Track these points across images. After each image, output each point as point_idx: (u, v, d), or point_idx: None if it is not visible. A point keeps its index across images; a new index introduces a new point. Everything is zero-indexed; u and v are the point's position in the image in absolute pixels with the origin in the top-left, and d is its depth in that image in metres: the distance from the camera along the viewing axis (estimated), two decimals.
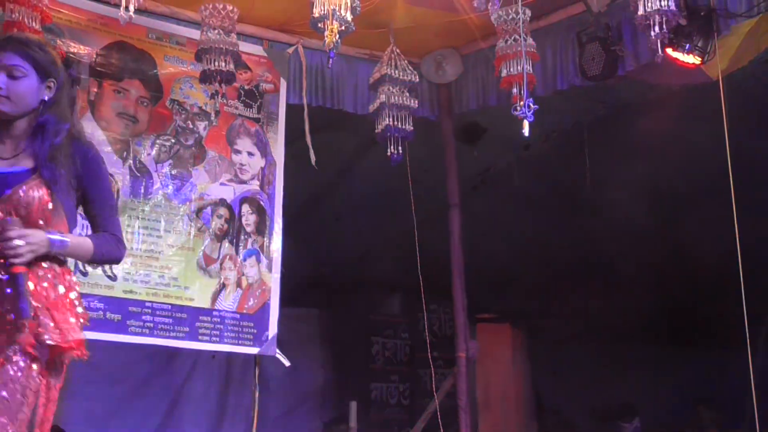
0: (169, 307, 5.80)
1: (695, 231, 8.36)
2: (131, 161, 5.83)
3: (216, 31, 5.53)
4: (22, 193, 2.89)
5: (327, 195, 8.61)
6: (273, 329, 6.14)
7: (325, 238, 8.92)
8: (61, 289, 2.97)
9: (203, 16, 5.58)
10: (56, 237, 2.93)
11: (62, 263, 3.03)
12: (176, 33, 6.10)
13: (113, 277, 5.62)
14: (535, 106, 4.78)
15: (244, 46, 6.05)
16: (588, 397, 10.57)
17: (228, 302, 6.01)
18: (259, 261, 6.19)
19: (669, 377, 11.15)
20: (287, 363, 6.22)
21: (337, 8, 4.69)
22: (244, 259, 6.14)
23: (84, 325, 3.01)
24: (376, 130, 6.18)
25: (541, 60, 5.98)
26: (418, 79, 6.28)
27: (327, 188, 8.47)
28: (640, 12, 4.74)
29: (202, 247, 6.00)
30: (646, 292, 9.73)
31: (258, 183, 6.28)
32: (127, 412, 7.53)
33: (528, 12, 5.36)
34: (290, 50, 6.46)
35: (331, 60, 4.89)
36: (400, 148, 6.13)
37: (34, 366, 2.85)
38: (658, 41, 4.80)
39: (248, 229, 6.20)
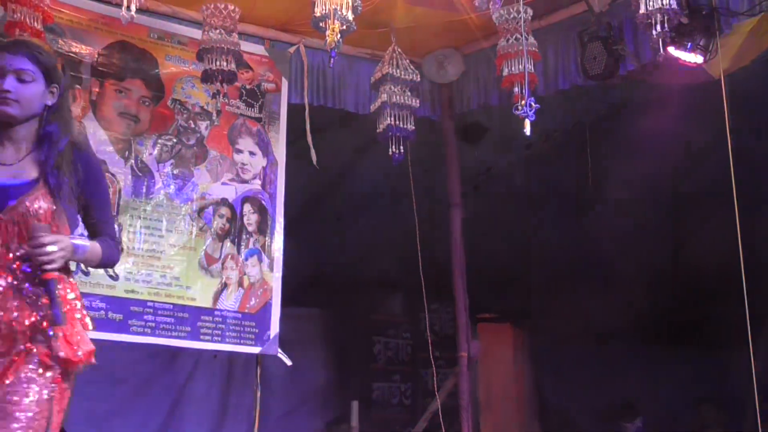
0: (171, 306, 5.80)
1: (697, 230, 8.36)
2: (133, 161, 5.83)
3: (217, 31, 5.53)
4: (27, 204, 2.88)
5: (328, 194, 8.60)
6: (275, 329, 6.14)
7: (327, 237, 8.92)
8: (71, 296, 2.97)
9: (205, 15, 5.58)
10: (79, 242, 2.93)
11: (68, 270, 3.03)
12: (178, 32, 6.11)
13: (115, 277, 5.62)
14: (537, 106, 4.79)
15: (246, 46, 6.05)
16: (590, 397, 10.55)
17: (230, 302, 6.01)
18: (260, 260, 6.19)
19: (671, 377, 11.13)
20: (289, 362, 6.22)
21: (338, 8, 4.69)
22: (246, 259, 6.14)
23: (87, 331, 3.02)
24: (378, 130, 6.18)
25: (543, 59, 5.97)
26: (419, 79, 6.28)
27: (328, 188, 8.46)
28: (642, 11, 4.73)
29: (204, 247, 6.00)
30: (648, 292, 9.72)
31: (259, 182, 6.28)
32: (129, 412, 7.52)
33: (529, 11, 5.35)
34: (292, 50, 6.47)
35: (332, 59, 4.89)
36: (401, 147, 6.13)
37: (49, 374, 2.85)
38: (660, 40, 4.80)
39: (250, 229, 6.20)
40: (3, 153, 2.96)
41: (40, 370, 2.83)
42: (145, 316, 5.68)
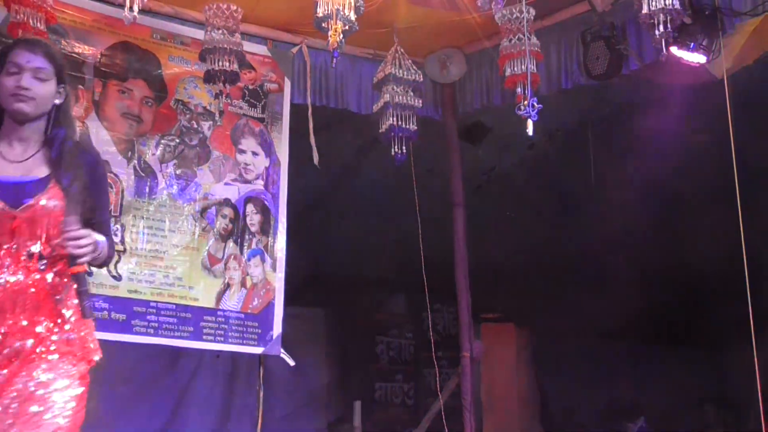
0: (174, 306, 5.80)
1: (700, 230, 8.35)
2: (136, 161, 5.83)
3: (220, 31, 5.53)
4: (43, 203, 2.90)
5: (331, 194, 8.61)
6: (277, 329, 6.14)
7: (330, 237, 8.92)
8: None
9: (207, 16, 5.58)
10: (99, 238, 2.95)
11: None
12: (180, 33, 6.10)
13: (118, 277, 5.63)
14: (540, 106, 4.79)
15: (248, 46, 6.05)
16: (593, 396, 10.57)
17: (232, 302, 6.01)
18: (263, 261, 6.19)
19: (675, 376, 11.14)
20: (292, 362, 6.23)
21: (340, 8, 4.69)
22: (249, 259, 6.14)
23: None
24: (380, 130, 6.18)
25: (546, 59, 5.96)
26: (422, 79, 6.27)
27: (331, 188, 8.47)
28: (645, 11, 4.73)
29: (207, 247, 6.01)
30: (651, 292, 9.73)
31: (262, 183, 6.29)
32: (132, 412, 7.52)
33: (532, 11, 5.35)
34: (294, 50, 6.47)
35: (335, 60, 4.90)
36: (403, 147, 6.13)
37: (72, 370, 2.89)
38: (663, 40, 4.79)
39: (252, 229, 6.20)
40: (12, 150, 2.97)
41: (61, 366, 2.86)
42: (148, 317, 5.69)
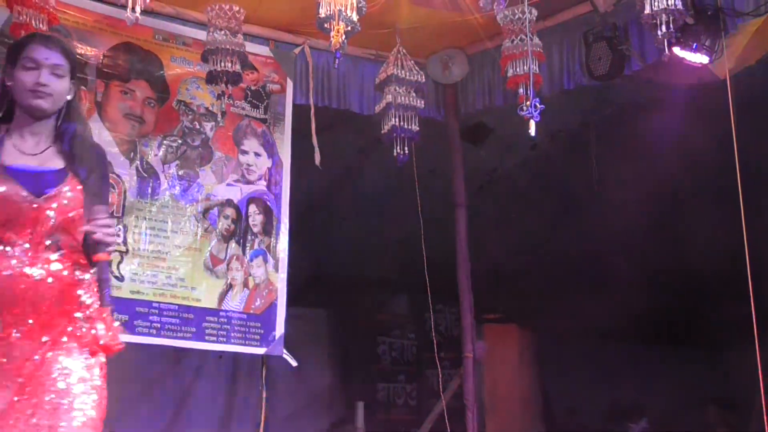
0: (176, 307, 5.81)
1: (702, 230, 8.34)
2: (138, 162, 5.84)
3: (222, 32, 5.54)
4: (65, 192, 2.93)
5: (333, 195, 8.61)
6: (280, 329, 6.15)
7: (332, 238, 8.92)
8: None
9: (209, 16, 5.59)
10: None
11: None
12: (182, 34, 6.11)
13: (120, 278, 5.63)
14: (542, 106, 4.79)
15: (251, 47, 6.05)
16: (595, 397, 10.55)
17: (235, 302, 6.01)
18: (266, 261, 6.20)
19: (677, 377, 11.13)
20: (294, 363, 6.23)
21: (343, 9, 4.69)
22: (251, 260, 6.15)
23: None
24: (382, 131, 6.17)
25: (548, 60, 5.96)
26: (424, 80, 6.27)
27: (334, 188, 8.47)
28: (647, 11, 4.73)
29: (209, 248, 6.01)
30: (654, 292, 9.72)
31: (265, 183, 6.29)
32: (135, 413, 7.52)
33: (534, 11, 5.34)
34: (296, 51, 6.47)
35: (337, 60, 4.90)
36: (406, 148, 6.13)
37: (93, 361, 2.90)
38: (665, 40, 4.79)
39: (255, 230, 6.20)
40: (24, 143, 2.98)
41: (83, 358, 2.87)
42: (151, 317, 5.69)
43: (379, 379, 10.36)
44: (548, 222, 9.11)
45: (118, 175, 5.69)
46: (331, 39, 4.73)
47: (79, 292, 2.91)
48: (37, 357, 2.80)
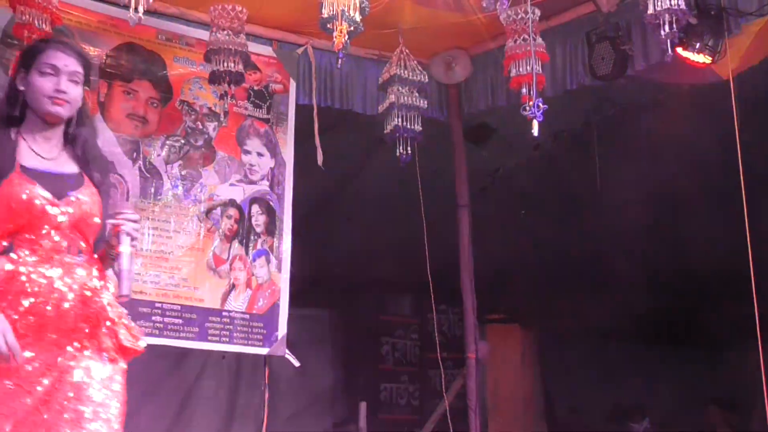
0: (179, 307, 5.80)
1: (705, 231, 8.33)
2: (141, 162, 5.84)
3: (225, 32, 5.53)
4: (85, 196, 2.96)
5: (336, 195, 8.61)
6: (282, 329, 6.15)
7: (335, 238, 8.92)
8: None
9: (212, 17, 5.59)
10: None
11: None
12: (185, 34, 6.11)
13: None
14: (545, 106, 4.78)
15: (254, 47, 6.05)
16: (598, 397, 10.55)
17: (238, 303, 6.01)
18: (268, 261, 6.20)
19: (679, 378, 11.13)
20: (297, 363, 6.23)
21: (346, 9, 4.68)
22: (254, 260, 6.14)
23: None
24: (385, 131, 6.17)
25: (551, 60, 5.95)
26: (427, 80, 6.27)
27: (336, 188, 8.47)
28: (650, 11, 4.71)
29: (212, 248, 6.01)
30: (657, 293, 9.71)
31: (267, 183, 6.29)
32: (138, 413, 7.49)
33: (537, 12, 5.34)
34: (299, 51, 6.47)
35: (340, 60, 4.89)
36: (408, 148, 6.12)
37: (116, 366, 2.96)
38: (668, 40, 4.77)
39: (258, 230, 6.20)
40: (38, 147, 2.98)
41: (106, 364, 2.90)
42: (153, 317, 5.69)
43: (382, 380, 10.36)
44: (551, 222, 9.10)
45: (121, 175, 5.69)
46: (334, 39, 4.72)
47: (103, 296, 2.92)
48: (59, 360, 2.80)
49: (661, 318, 10.33)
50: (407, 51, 6.18)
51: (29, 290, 2.78)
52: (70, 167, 3.00)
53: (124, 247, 2.92)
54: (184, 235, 5.92)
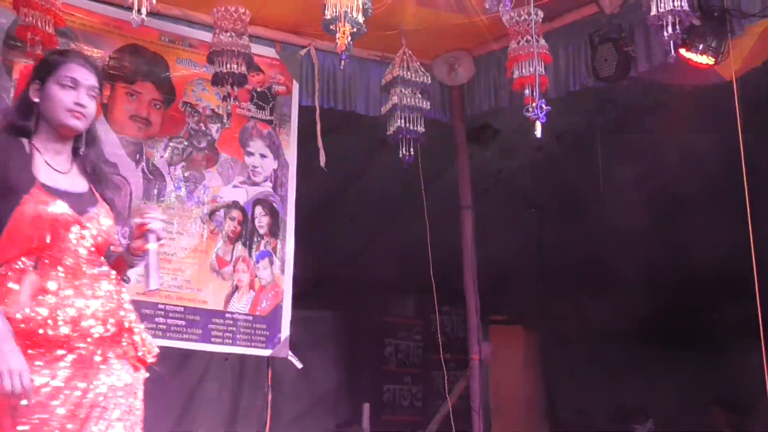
0: (182, 309, 5.81)
1: (707, 232, 8.32)
2: (144, 164, 5.84)
3: (228, 34, 5.54)
4: (102, 212, 3.00)
5: (339, 197, 8.61)
6: (285, 331, 6.15)
7: (338, 239, 8.92)
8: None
9: (215, 18, 5.59)
10: None
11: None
12: (188, 35, 6.11)
13: (126, 280, 5.61)
14: (548, 108, 4.78)
15: (256, 49, 6.04)
16: (601, 399, 10.54)
17: (241, 304, 6.01)
18: (272, 263, 6.20)
19: (682, 379, 11.11)
20: (299, 365, 6.22)
21: (348, 10, 4.68)
22: (257, 261, 6.14)
23: None
24: (388, 132, 6.17)
25: (554, 61, 5.94)
26: (430, 81, 6.27)
27: (339, 190, 8.47)
28: (653, 12, 4.71)
29: (215, 250, 6.01)
30: (659, 294, 9.70)
31: (271, 185, 6.29)
32: None
33: (540, 13, 5.34)
34: (302, 52, 6.47)
35: (343, 62, 4.89)
36: (411, 149, 6.13)
37: (137, 375, 2.99)
38: (671, 42, 4.77)
39: (261, 231, 6.20)
40: (52, 161, 2.98)
41: (132, 371, 2.93)
42: (157, 319, 5.69)
43: (385, 381, 10.36)
44: (554, 223, 9.10)
45: (124, 177, 5.69)
46: (337, 41, 4.72)
47: (126, 307, 2.96)
48: (88, 371, 2.80)
49: (664, 319, 10.32)
50: (410, 52, 6.18)
51: (57, 306, 2.78)
52: (82, 183, 3.01)
53: (152, 245, 2.97)
54: (187, 237, 5.92)
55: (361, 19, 4.73)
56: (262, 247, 6.19)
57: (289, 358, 6.16)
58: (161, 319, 5.70)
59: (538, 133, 4.77)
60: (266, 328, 6.08)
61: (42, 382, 2.70)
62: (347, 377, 9.81)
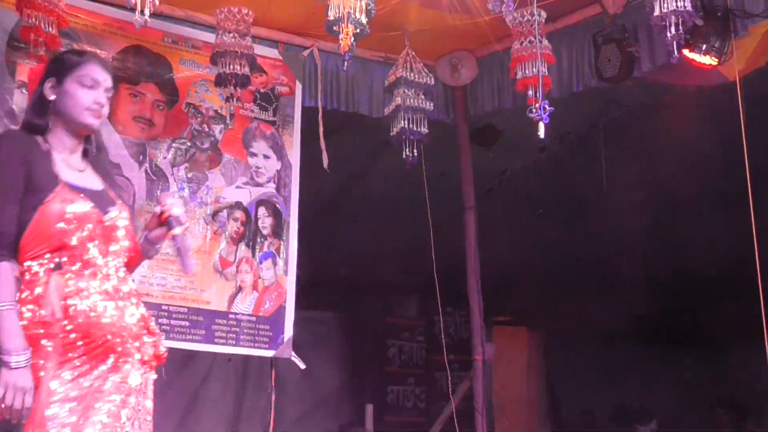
0: (186, 310, 5.81)
1: (710, 232, 8.32)
2: (147, 165, 5.84)
3: (231, 35, 5.54)
4: (122, 210, 3.02)
5: (343, 197, 8.61)
6: (288, 332, 6.14)
7: (341, 240, 8.93)
8: None
9: (218, 19, 5.59)
10: None
11: None
12: (192, 36, 6.11)
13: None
14: (551, 108, 4.77)
15: (260, 49, 6.05)
16: (604, 399, 10.55)
17: (244, 305, 6.01)
18: (275, 264, 6.20)
19: (686, 379, 11.12)
20: (303, 366, 6.22)
21: (351, 11, 4.68)
22: (260, 262, 6.15)
23: None
24: (392, 133, 6.17)
25: (557, 62, 5.94)
26: (433, 82, 6.26)
27: (343, 191, 8.47)
28: (656, 13, 4.71)
29: (219, 250, 6.01)
30: (663, 295, 9.71)
31: (274, 186, 6.29)
32: None
33: (543, 14, 5.34)
34: (305, 53, 6.47)
35: (346, 63, 4.89)
36: (415, 150, 6.12)
37: (152, 375, 3.00)
38: (675, 42, 4.77)
39: (264, 232, 6.21)
40: (69, 160, 3.00)
41: (145, 370, 2.94)
42: (160, 320, 5.68)
43: (389, 382, 10.37)
44: (557, 224, 9.10)
45: (127, 178, 5.70)
46: (340, 41, 4.71)
47: (143, 307, 2.98)
48: (105, 368, 2.81)
49: (667, 320, 10.32)
50: (413, 53, 6.18)
51: (81, 305, 2.79)
52: (99, 182, 3.03)
53: (177, 230, 3.02)
54: (191, 238, 5.91)
55: (364, 20, 4.72)
56: (265, 248, 6.19)
57: (293, 358, 6.16)
58: (164, 320, 5.70)
59: (542, 133, 4.76)
60: (269, 329, 6.08)
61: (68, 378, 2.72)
62: (350, 378, 9.82)
